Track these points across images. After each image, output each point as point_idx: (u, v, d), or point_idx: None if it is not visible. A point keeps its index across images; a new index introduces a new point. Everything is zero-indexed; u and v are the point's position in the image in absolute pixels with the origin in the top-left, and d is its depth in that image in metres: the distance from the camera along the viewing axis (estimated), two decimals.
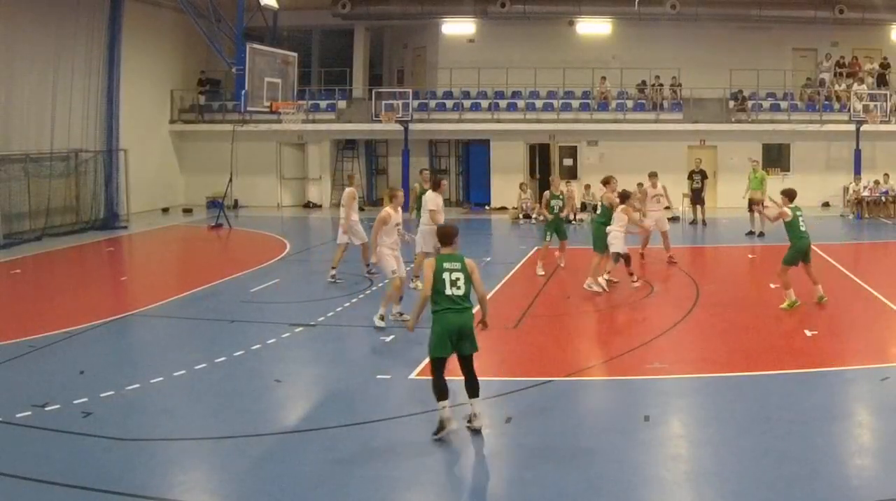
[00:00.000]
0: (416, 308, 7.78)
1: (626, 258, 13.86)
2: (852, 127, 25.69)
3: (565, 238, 15.90)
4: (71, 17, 22.31)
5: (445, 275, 7.40)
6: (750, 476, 6.58)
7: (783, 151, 27.60)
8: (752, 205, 20.51)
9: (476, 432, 7.45)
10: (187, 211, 27.43)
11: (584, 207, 25.25)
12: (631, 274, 13.97)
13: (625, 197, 13.92)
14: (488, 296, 13.27)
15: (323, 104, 28.91)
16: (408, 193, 26.64)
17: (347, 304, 13.06)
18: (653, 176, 17.48)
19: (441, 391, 7.39)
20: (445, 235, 7.73)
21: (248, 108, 20.40)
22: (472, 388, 7.54)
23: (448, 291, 7.37)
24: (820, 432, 7.49)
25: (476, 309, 7.62)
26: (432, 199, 13.37)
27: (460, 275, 7.42)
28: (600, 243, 13.85)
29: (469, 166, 29.77)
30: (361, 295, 13.66)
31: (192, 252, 21.01)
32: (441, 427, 7.37)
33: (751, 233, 20.59)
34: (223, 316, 12.29)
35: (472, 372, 7.54)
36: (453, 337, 7.37)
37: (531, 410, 8.31)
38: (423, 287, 7.63)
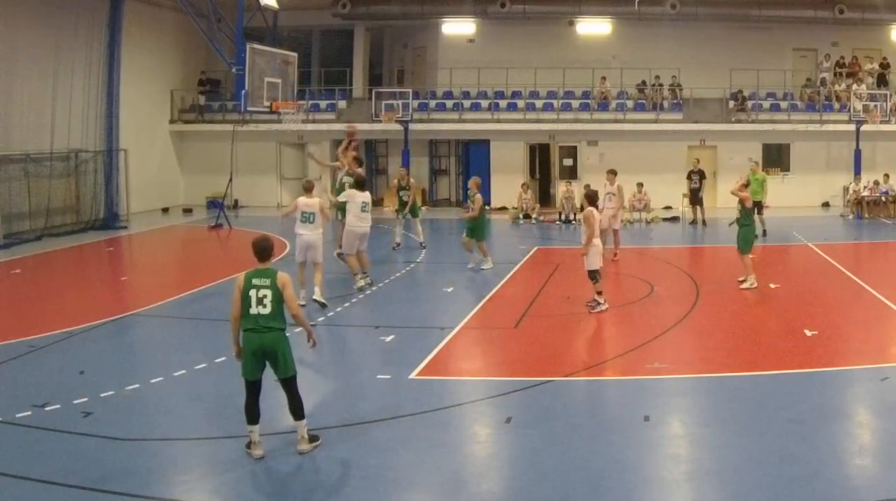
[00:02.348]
0: (230, 332, 7.23)
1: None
2: (852, 127, 25.71)
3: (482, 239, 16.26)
4: (71, 17, 22.32)
5: (252, 293, 6.96)
6: (750, 476, 6.58)
7: (783, 151, 27.63)
8: (754, 206, 20.47)
9: (302, 453, 7.09)
10: (187, 211, 27.42)
11: (584, 207, 25.16)
12: (599, 293, 12.44)
13: (592, 200, 13.02)
14: (489, 295, 13.49)
15: (323, 104, 28.92)
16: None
17: (347, 304, 13.06)
18: (610, 173, 17.57)
19: (249, 415, 7.04)
20: (260, 250, 7.20)
21: (249, 108, 20.39)
22: (292, 410, 7.15)
23: (253, 309, 6.94)
24: (820, 432, 7.49)
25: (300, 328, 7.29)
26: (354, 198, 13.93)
27: (268, 293, 6.96)
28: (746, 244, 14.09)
29: (469, 166, 29.73)
30: (361, 295, 13.66)
31: (192, 252, 21.00)
32: (248, 445, 7.09)
33: None
34: (223, 316, 12.16)
35: (291, 394, 7.12)
36: (259, 358, 6.98)
37: (531, 410, 8.31)
38: (232, 308, 7.15)
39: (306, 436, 7.17)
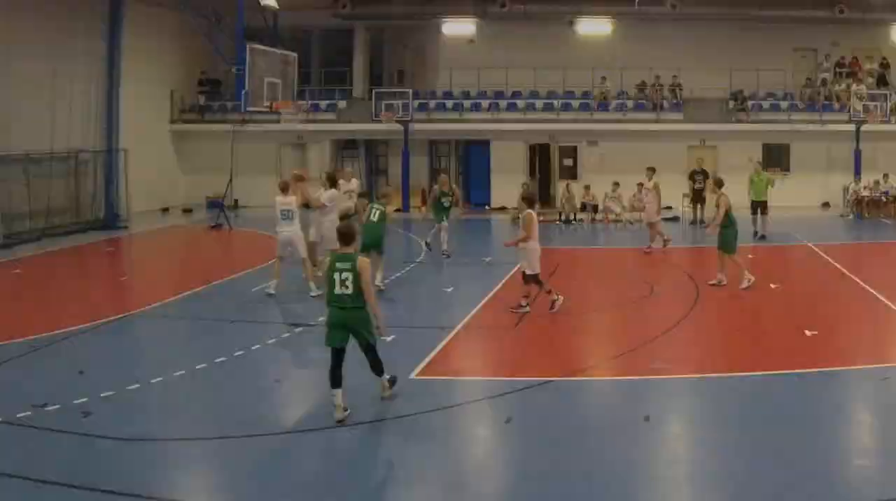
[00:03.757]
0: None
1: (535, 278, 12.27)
2: (852, 127, 25.71)
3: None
4: (71, 17, 22.32)
5: (336, 276, 7.81)
6: (750, 476, 6.58)
7: (783, 151, 27.59)
8: (757, 207, 20.48)
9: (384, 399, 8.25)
10: (187, 211, 27.41)
11: (583, 207, 25.23)
12: (526, 297, 12.35)
13: (532, 201, 12.53)
14: (489, 295, 13.47)
15: (323, 104, 28.91)
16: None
17: None
18: (649, 170, 18.87)
19: (333, 379, 7.78)
20: (345, 236, 8.09)
21: (249, 108, 20.41)
22: (373, 368, 8.18)
23: (338, 290, 7.80)
24: (820, 432, 7.49)
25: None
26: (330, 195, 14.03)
27: (349, 276, 7.77)
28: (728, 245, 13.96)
29: (469, 166, 29.76)
30: None
31: (192, 252, 21.00)
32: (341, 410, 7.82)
33: (754, 234, 20.51)
34: (223, 316, 12.29)
35: (370, 357, 8.09)
36: (340, 330, 7.85)
37: (531, 410, 8.31)
38: (325, 285, 8.17)
39: (387, 384, 8.33)
